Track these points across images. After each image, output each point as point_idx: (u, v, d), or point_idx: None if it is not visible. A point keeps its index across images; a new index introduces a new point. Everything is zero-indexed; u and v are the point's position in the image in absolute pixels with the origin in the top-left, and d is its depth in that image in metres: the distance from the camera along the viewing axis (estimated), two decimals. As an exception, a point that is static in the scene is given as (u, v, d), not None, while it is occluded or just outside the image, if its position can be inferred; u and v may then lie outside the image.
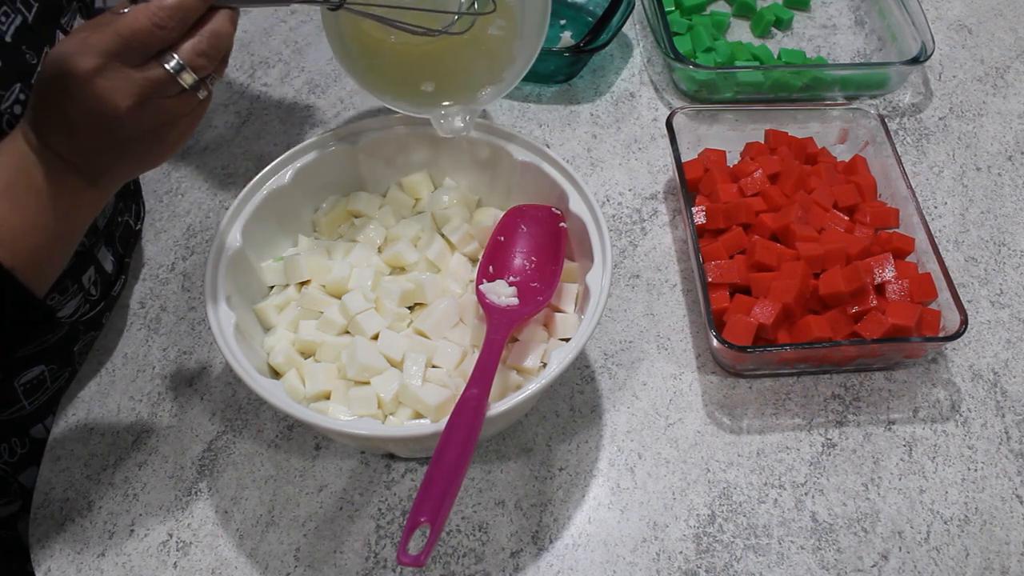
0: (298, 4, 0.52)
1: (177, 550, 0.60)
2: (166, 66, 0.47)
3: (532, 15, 0.63)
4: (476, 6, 0.57)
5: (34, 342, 0.64)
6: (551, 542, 0.61)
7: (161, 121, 0.49)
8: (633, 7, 0.90)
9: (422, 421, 0.59)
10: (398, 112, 0.65)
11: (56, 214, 0.50)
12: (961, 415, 0.68)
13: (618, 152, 0.84)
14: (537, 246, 0.65)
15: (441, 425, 0.51)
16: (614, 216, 0.79)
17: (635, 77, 0.91)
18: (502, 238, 0.66)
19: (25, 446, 0.67)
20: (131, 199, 0.75)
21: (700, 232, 0.73)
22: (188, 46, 0.48)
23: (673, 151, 0.75)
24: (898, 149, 0.78)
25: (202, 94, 0.50)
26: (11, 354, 0.62)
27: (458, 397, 0.53)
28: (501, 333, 0.57)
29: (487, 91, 0.65)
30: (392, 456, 0.64)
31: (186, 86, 0.48)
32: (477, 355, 0.56)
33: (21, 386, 0.65)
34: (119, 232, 0.71)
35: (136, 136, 0.49)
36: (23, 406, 0.66)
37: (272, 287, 0.67)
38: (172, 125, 0.50)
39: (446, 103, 0.64)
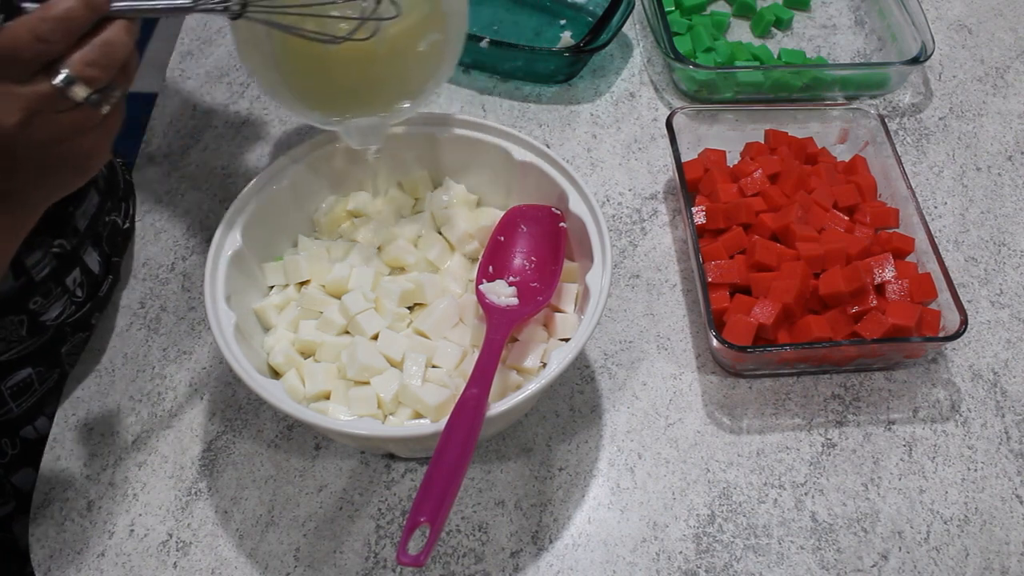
0: (199, 13, 0.50)
1: (177, 550, 0.60)
2: (53, 80, 0.44)
3: (452, 22, 0.59)
4: (380, 11, 0.55)
5: None
6: (551, 542, 0.61)
7: (58, 138, 0.46)
8: (633, 7, 0.90)
9: (422, 421, 0.59)
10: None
11: None
12: (961, 415, 0.68)
13: (618, 152, 0.84)
14: (537, 246, 0.65)
15: (441, 425, 0.51)
16: (614, 216, 0.79)
17: (635, 77, 0.91)
18: (502, 238, 0.66)
19: (16, 447, 0.67)
20: (118, 198, 0.74)
21: (700, 232, 0.73)
22: (77, 58, 0.45)
23: (673, 151, 0.75)
24: (898, 149, 0.78)
25: (104, 109, 0.47)
26: None
27: (458, 397, 0.53)
28: (501, 333, 0.57)
29: (404, 102, 0.62)
30: (392, 456, 0.64)
31: (79, 100, 0.45)
32: (477, 355, 0.56)
33: (8, 389, 0.65)
34: (106, 232, 0.71)
35: (34, 156, 0.46)
36: (11, 408, 0.66)
37: (272, 287, 0.67)
38: (76, 143, 0.47)
39: (361, 115, 0.61)
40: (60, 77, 0.44)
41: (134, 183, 0.79)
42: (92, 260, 0.68)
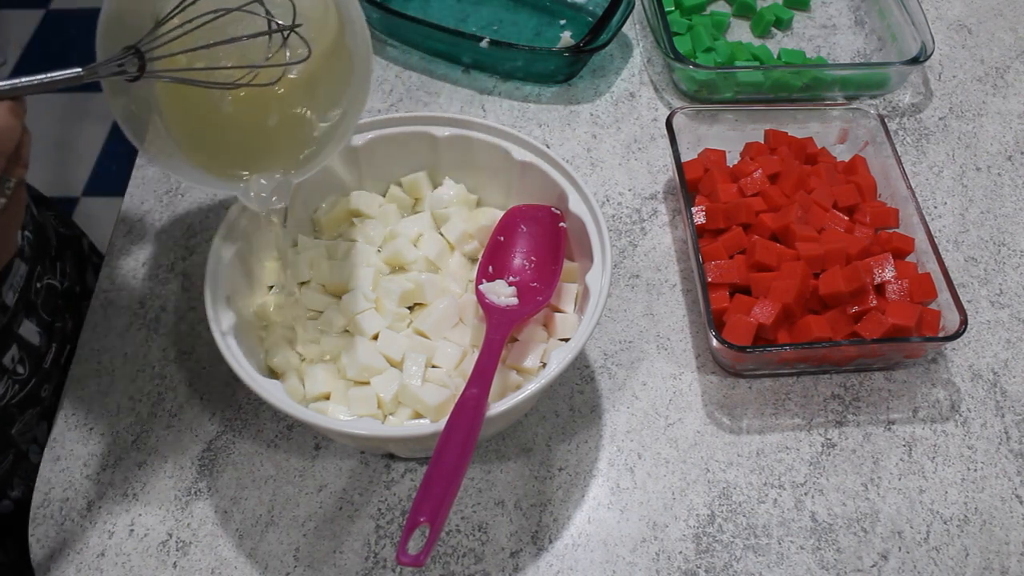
0: (92, 80, 0.45)
1: (177, 550, 0.60)
2: None
3: (357, 59, 0.55)
4: (288, 55, 0.50)
5: None
6: (551, 542, 0.61)
7: None
8: (633, 7, 0.90)
9: (422, 421, 0.59)
10: (395, 114, 0.64)
11: None
12: (961, 415, 0.68)
13: (618, 152, 0.84)
14: (537, 246, 0.65)
15: (441, 425, 0.51)
16: (614, 216, 0.79)
17: (635, 77, 0.91)
18: (502, 238, 0.66)
19: None
20: (50, 258, 0.69)
21: (700, 232, 0.73)
22: None
23: (673, 151, 0.75)
24: (898, 149, 0.78)
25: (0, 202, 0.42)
26: None
27: (458, 397, 0.53)
28: (501, 333, 0.57)
29: (307, 154, 0.57)
30: (392, 456, 0.64)
31: None
32: (477, 355, 0.56)
33: None
34: (40, 299, 0.67)
35: None
36: None
37: (272, 287, 0.67)
38: None
39: (264, 170, 0.56)
40: None
41: (130, 188, 0.77)
42: (30, 332, 0.64)
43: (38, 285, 0.67)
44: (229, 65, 0.50)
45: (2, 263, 0.46)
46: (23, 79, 0.42)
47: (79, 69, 0.44)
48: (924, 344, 0.67)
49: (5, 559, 0.65)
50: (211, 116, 0.54)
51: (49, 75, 0.43)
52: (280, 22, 0.49)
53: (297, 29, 0.49)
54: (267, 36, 0.49)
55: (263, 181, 0.55)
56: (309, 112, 0.56)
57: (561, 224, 0.65)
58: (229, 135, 0.55)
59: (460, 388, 0.58)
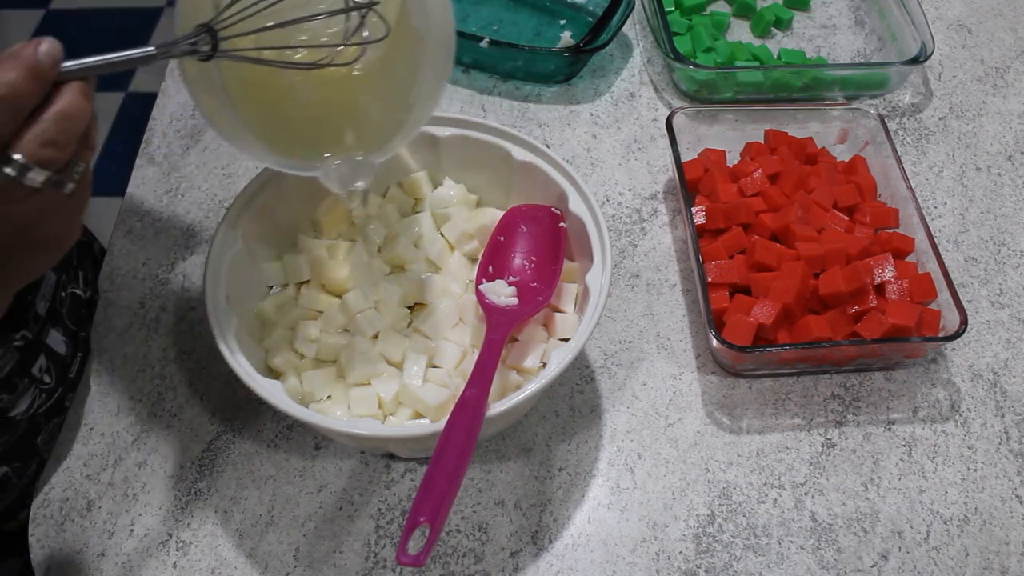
0: (164, 60, 0.43)
1: (177, 550, 0.60)
2: (4, 169, 0.39)
3: (435, 43, 0.52)
4: (366, 34, 0.48)
5: None
6: (551, 542, 0.61)
7: (20, 229, 0.42)
8: (633, 7, 0.90)
9: (422, 421, 0.59)
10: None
11: None
12: (961, 415, 0.68)
13: (618, 152, 0.84)
14: (537, 246, 0.65)
15: (441, 425, 0.51)
16: (614, 216, 0.79)
17: (635, 77, 0.91)
18: (502, 238, 0.66)
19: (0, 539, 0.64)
20: (73, 268, 0.69)
21: (700, 232, 0.73)
22: (30, 139, 0.39)
23: (673, 151, 0.75)
24: (898, 149, 0.78)
25: (68, 188, 0.41)
26: None
27: (458, 397, 0.53)
28: (501, 333, 0.57)
29: (389, 136, 0.55)
30: (392, 456, 0.64)
31: (38, 186, 0.40)
32: (477, 355, 0.56)
33: None
34: (66, 308, 0.67)
35: None
36: None
37: (272, 287, 0.67)
38: (40, 228, 0.42)
39: (343, 154, 0.54)
40: (12, 165, 0.39)
41: (130, 188, 0.77)
42: (56, 342, 0.64)
43: (63, 294, 0.66)
44: (307, 44, 0.48)
45: (66, 248, 0.46)
46: (94, 58, 0.41)
47: (152, 48, 0.42)
48: (924, 344, 0.67)
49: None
50: (280, 97, 0.52)
51: (121, 54, 0.41)
52: (360, 0, 0.47)
53: (376, 7, 0.47)
54: (345, 15, 0.47)
55: (338, 162, 0.54)
56: (384, 92, 0.54)
57: (561, 224, 0.65)
58: (300, 117, 0.54)
59: (460, 388, 0.58)
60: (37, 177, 0.40)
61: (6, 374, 0.59)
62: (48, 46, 0.39)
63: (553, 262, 0.64)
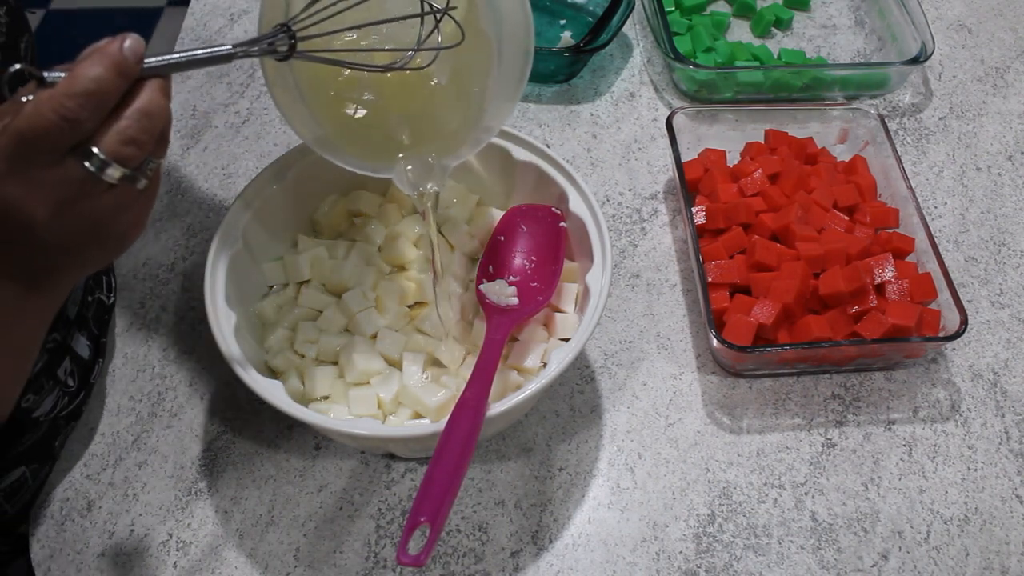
0: (242, 59, 0.44)
1: (177, 550, 0.60)
2: (85, 164, 0.39)
3: (510, 52, 0.52)
4: (440, 40, 0.49)
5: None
6: (551, 542, 0.61)
7: (94, 220, 0.42)
8: (633, 7, 0.90)
9: (422, 421, 0.59)
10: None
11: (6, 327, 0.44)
12: (961, 415, 0.68)
13: (618, 152, 0.84)
14: (537, 245, 0.65)
15: (441, 425, 0.51)
16: (614, 216, 0.79)
17: (635, 77, 0.91)
18: (502, 238, 0.66)
19: (9, 543, 0.65)
20: (100, 273, 0.70)
21: (700, 232, 0.73)
22: (111, 136, 0.40)
23: (673, 151, 0.75)
24: (898, 149, 0.78)
25: (141, 184, 0.42)
26: None
27: (458, 397, 0.53)
28: (501, 333, 0.57)
29: (461, 141, 0.55)
30: (392, 456, 0.64)
31: (114, 182, 0.40)
32: (477, 355, 0.56)
33: (1, 491, 0.61)
34: (91, 312, 0.67)
35: (66, 242, 0.42)
36: (6, 510, 0.62)
37: (272, 287, 0.67)
38: (112, 221, 0.43)
39: (415, 157, 0.55)
40: (93, 160, 0.39)
41: None
42: (81, 346, 0.64)
43: (89, 299, 0.67)
44: (378, 48, 0.49)
45: (133, 241, 0.46)
46: (174, 55, 0.41)
47: (230, 46, 0.43)
48: (924, 344, 0.67)
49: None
50: (352, 98, 0.53)
51: (199, 51, 0.42)
52: (436, 4, 0.48)
53: (451, 11, 0.48)
54: (420, 19, 0.48)
55: (411, 166, 0.54)
56: (456, 97, 0.54)
57: (561, 224, 0.65)
58: (372, 118, 0.54)
59: (460, 388, 0.58)
60: (114, 173, 0.40)
61: (34, 375, 0.59)
62: (132, 42, 0.40)
63: (553, 262, 0.64)
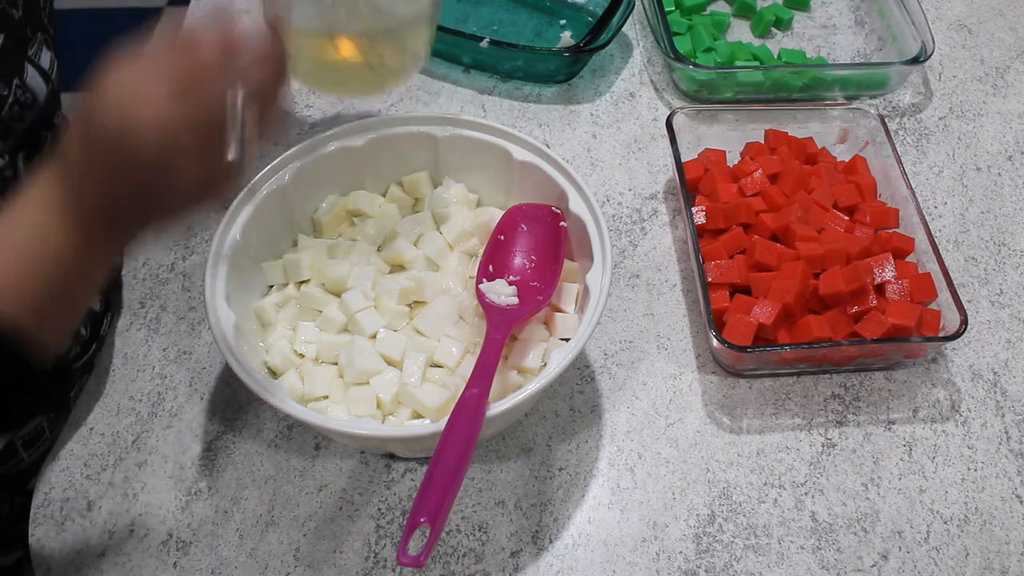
0: None
1: (177, 550, 0.60)
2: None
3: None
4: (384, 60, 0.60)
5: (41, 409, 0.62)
6: (551, 542, 0.61)
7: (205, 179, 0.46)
8: (633, 7, 0.90)
9: (422, 421, 0.59)
10: (395, 114, 0.65)
11: (80, 271, 0.46)
12: (961, 415, 0.68)
13: (618, 152, 0.84)
14: (537, 244, 0.65)
15: (441, 425, 0.51)
16: (614, 216, 0.79)
17: (635, 77, 0.91)
18: (502, 237, 0.66)
19: (23, 495, 0.66)
20: None
21: (700, 232, 0.73)
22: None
23: (673, 151, 0.75)
24: (898, 149, 0.78)
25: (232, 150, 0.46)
26: (22, 422, 0.59)
27: (458, 397, 0.53)
28: (501, 332, 0.57)
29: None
30: (392, 456, 0.64)
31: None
32: (477, 353, 0.56)
33: (20, 438, 0.63)
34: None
35: (177, 195, 0.46)
36: (22, 458, 0.64)
37: (272, 286, 0.67)
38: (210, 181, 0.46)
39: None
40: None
41: None
42: (92, 299, 0.67)
43: None
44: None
45: (213, 199, 0.48)
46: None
47: None
48: (924, 344, 0.67)
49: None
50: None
51: None
52: None
53: None
54: None
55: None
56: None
57: (562, 223, 0.65)
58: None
59: (460, 388, 0.58)
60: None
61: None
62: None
63: (554, 261, 0.64)
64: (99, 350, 0.69)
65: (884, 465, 0.65)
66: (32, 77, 0.56)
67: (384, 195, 0.71)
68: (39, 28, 0.58)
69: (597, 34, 0.86)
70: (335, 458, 0.64)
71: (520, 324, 0.62)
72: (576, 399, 0.68)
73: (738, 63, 0.90)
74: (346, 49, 0.60)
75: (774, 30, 0.97)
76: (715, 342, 0.64)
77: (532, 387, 0.54)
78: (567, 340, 0.61)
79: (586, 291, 0.60)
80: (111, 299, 0.70)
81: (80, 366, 0.66)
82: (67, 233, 0.44)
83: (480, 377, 0.53)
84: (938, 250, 0.69)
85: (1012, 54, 0.95)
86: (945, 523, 0.62)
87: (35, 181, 0.45)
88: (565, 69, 0.89)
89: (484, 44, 0.85)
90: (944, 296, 0.67)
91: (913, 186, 0.75)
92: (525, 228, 0.66)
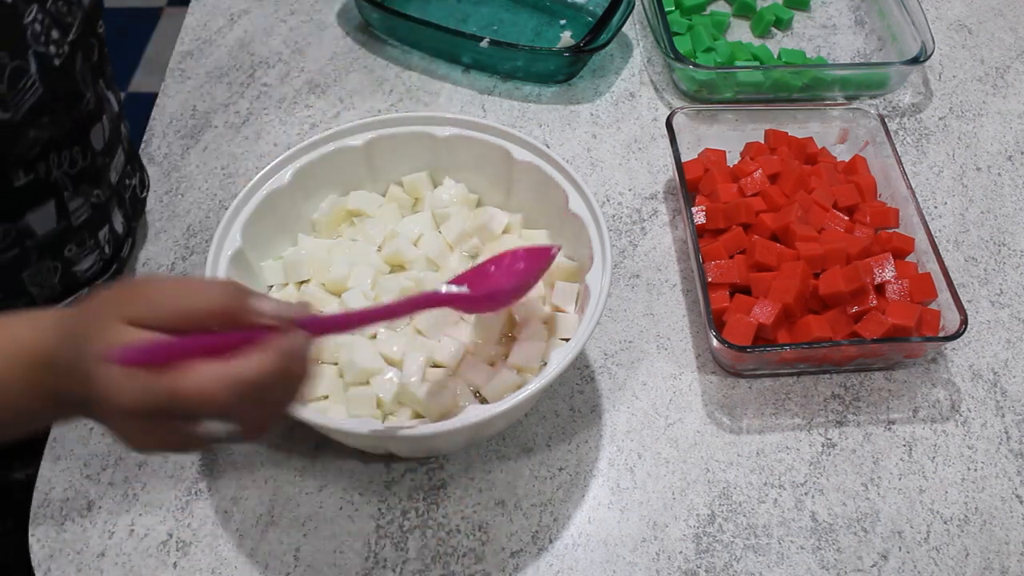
0: None
1: (177, 550, 0.60)
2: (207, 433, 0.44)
3: None
4: None
5: None
6: (551, 542, 0.61)
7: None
8: (633, 7, 0.90)
9: (422, 421, 0.59)
10: (395, 114, 0.64)
11: (26, 420, 0.48)
12: (961, 415, 0.68)
13: (618, 152, 0.84)
14: (515, 273, 0.58)
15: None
16: (614, 216, 0.79)
17: (635, 77, 0.91)
18: (492, 268, 0.59)
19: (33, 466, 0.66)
20: (137, 165, 0.76)
21: (700, 232, 0.73)
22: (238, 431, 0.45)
23: (673, 151, 0.75)
24: (898, 149, 0.78)
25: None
26: None
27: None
28: (415, 304, 0.53)
29: None
30: (392, 456, 0.64)
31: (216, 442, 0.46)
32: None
33: None
34: (128, 194, 0.72)
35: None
36: None
37: (272, 286, 0.67)
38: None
39: None
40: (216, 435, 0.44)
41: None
42: (117, 220, 0.70)
43: (127, 181, 0.72)
44: None
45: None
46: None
47: None
48: (924, 344, 0.67)
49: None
50: None
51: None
52: None
53: None
54: None
55: None
56: None
57: (552, 253, 0.60)
58: None
59: (460, 389, 0.58)
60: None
61: (79, 224, 0.65)
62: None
63: (522, 276, 0.58)
64: (120, 273, 0.72)
65: (884, 465, 0.65)
66: None
67: (384, 195, 0.71)
68: None
69: (597, 34, 0.86)
70: (335, 458, 0.64)
71: (445, 305, 0.56)
72: (576, 399, 0.68)
73: (738, 63, 0.90)
74: None
75: (774, 30, 0.97)
76: (715, 342, 0.64)
77: (532, 387, 0.54)
78: (567, 340, 0.61)
79: (586, 291, 0.60)
80: (132, 228, 0.73)
81: (101, 285, 0.69)
82: (26, 392, 0.45)
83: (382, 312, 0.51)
84: (938, 250, 0.69)
85: (1012, 54, 0.95)
86: (945, 523, 0.62)
87: (22, 328, 0.45)
88: (565, 69, 0.89)
89: (484, 44, 0.85)
90: (944, 296, 0.67)
91: (913, 186, 0.75)
92: (521, 267, 0.59)
